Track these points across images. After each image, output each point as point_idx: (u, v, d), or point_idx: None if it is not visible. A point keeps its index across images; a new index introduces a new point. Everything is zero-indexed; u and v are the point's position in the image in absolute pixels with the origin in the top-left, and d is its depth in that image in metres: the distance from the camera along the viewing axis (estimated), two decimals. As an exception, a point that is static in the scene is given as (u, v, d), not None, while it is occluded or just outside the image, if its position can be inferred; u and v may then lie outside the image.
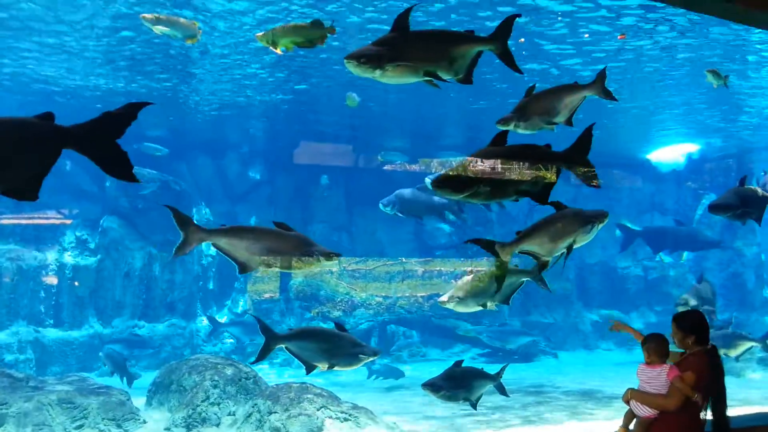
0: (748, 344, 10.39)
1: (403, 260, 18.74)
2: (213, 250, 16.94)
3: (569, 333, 18.26)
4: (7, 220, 15.02)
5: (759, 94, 15.86)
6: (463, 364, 7.49)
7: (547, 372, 15.10)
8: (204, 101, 15.32)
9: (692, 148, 20.42)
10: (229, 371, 9.71)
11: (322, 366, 6.66)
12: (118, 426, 8.89)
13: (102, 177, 16.05)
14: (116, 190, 15.49)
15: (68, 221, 15.83)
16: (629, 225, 17.77)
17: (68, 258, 15.03)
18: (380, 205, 13.25)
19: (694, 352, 4.40)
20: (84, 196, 16.20)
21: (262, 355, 6.38)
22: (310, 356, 6.58)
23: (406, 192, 13.82)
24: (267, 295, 17.28)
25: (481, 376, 7.42)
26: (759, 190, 7.49)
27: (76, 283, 14.99)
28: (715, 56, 12.77)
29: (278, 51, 6.04)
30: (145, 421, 9.21)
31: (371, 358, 7.06)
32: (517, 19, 5.08)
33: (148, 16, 8.63)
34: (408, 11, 4.68)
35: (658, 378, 4.39)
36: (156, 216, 15.00)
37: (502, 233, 19.90)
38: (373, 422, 9.18)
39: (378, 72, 4.44)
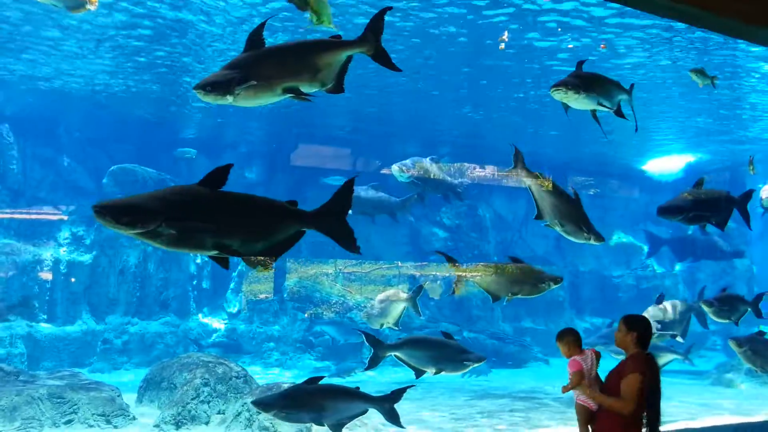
0: (671, 357, 10.42)
1: (399, 264, 18.80)
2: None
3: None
4: (3, 215, 15.06)
5: (760, 107, 16.00)
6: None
7: (539, 378, 15.16)
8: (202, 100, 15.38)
9: (688, 159, 20.54)
10: (219, 370, 9.76)
11: (431, 371, 7.21)
12: (108, 422, 8.92)
13: (99, 173, 16.10)
14: (113, 186, 15.53)
15: (65, 217, 15.87)
16: (657, 233, 17.95)
17: (63, 254, 15.06)
18: None
19: (633, 354, 4.48)
20: (80, 193, 16.25)
21: (373, 364, 7.18)
22: (418, 363, 7.19)
23: (360, 190, 14.14)
24: (261, 296, 17.33)
25: (349, 397, 6.23)
26: (722, 193, 6.94)
27: (72, 279, 15.01)
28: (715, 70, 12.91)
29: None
30: (134, 418, 9.24)
31: (477, 364, 7.44)
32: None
33: None
34: (261, 27, 4.48)
35: (588, 361, 4.71)
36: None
37: (498, 239, 20.00)
38: (362, 423, 9.23)
39: (230, 97, 4.26)
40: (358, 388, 6.42)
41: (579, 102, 5.57)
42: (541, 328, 18.63)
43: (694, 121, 17.01)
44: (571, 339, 4.85)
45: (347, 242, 4.28)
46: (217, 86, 4.24)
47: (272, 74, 4.39)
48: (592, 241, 6.32)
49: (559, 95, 5.47)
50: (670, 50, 12.08)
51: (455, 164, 20.60)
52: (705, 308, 8.98)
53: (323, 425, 5.97)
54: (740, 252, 19.05)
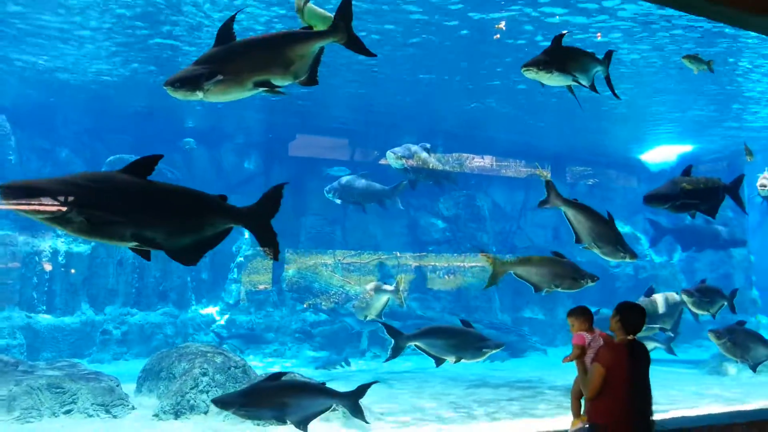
0: (652, 345, 10.44)
1: (398, 254, 18.84)
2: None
3: (559, 330, 18.36)
4: (1, 206, 15.04)
5: (756, 97, 15.98)
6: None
7: (536, 367, 15.23)
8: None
9: (686, 149, 20.55)
10: (218, 360, 9.79)
11: (451, 359, 7.40)
12: (107, 411, 8.96)
13: (96, 164, 16.08)
14: (111, 178, 15.49)
15: (63, 208, 15.84)
16: (660, 222, 18.03)
17: (61, 245, 15.06)
18: (324, 192, 13.77)
19: (610, 342, 4.60)
20: (79, 183, 16.20)
21: (394, 354, 7.39)
22: (438, 351, 7.39)
23: (347, 179, 14.21)
24: (260, 286, 17.36)
25: (312, 392, 6.18)
26: (711, 180, 6.84)
27: (73, 271, 15.02)
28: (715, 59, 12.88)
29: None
30: (134, 407, 9.28)
31: (495, 350, 7.62)
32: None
33: None
34: (230, 21, 4.44)
35: (593, 340, 4.82)
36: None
37: (496, 229, 20.01)
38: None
39: (199, 93, 4.21)
40: (323, 383, 6.44)
41: (552, 80, 5.51)
42: (540, 318, 18.70)
43: (692, 110, 17.00)
44: (582, 316, 4.95)
45: (268, 246, 4.27)
46: (185, 82, 4.20)
47: (242, 68, 4.34)
48: (627, 259, 6.63)
49: (531, 74, 5.41)
50: (667, 38, 12.06)
51: (453, 154, 20.62)
52: (685, 298, 8.98)
53: (286, 423, 5.82)
54: (742, 241, 19.14)
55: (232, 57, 4.35)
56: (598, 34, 11.89)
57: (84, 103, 15.94)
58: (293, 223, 18.12)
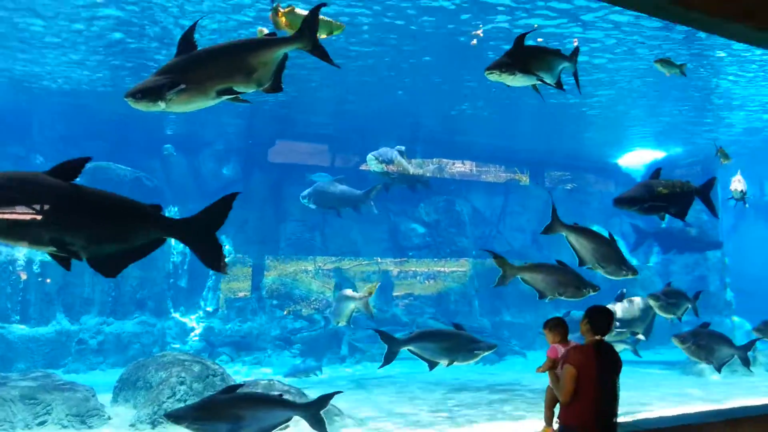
0: (621, 347, 10.55)
1: (378, 260, 18.84)
2: (184, 247, 16.86)
3: (538, 333, 18.51)
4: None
5: (730, 103, 16.30)
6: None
7: (516, 371, 15.32)
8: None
9: (662, 153, 20.87)
10: (196, 368, 9.70)
11: (443, 362, 7.47)
12: (82, 422, 8.83)
13: (72, 172, 15.83)
14: (87, 184, 15.24)
15: (38, 216, 15.58)
16: (640, 226, 18.32)
17: (36, 254, 14.80)
18: (300, 198, 13.80)
19: (579, 347, 4.68)
20: (54, 191, 15.96)
21: (388, 359, 7.36)
22: (431, 355, 7.46)
23: (321, 184, 14.24)
24: (240, 294, 17.25)
25: (269, 405, 6.03)
26: (681, 183, 6.86)
27: (48, 280, 14.76)
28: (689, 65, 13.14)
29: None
30: (110, 418, 9.16)
31: (487, 352, 7.74)
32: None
33: None
34: (191, 29, 4.40)
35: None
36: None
37: (476, 234, 20.12)
38: (340, 418, 9.27)
39: (162, 104, 4.14)
40: (281, 395, 6.31)
41: (516, 81, 5.45)
42: (519, 322, 18.81)
43: (667, 115, 17.29)
44: (556, 328, 5.09)
45: (212, 259, 4.04)
46: (147, 93, 4.12)
47: (205, 77, 4.27)
48: (629, 276, 6.88)
49: (494, 77, 5.36)
50: (642, 43, 12.26)
51: (433, 159, 20.72)
52: (651, 302, 9.08)
53: None
54: (719, 243, 19.50)
55: (194, 66, 4.29)
56: (575, 40, 12.06)
57: (59, 108, 15.73)
58: (273, 229, 18.04)
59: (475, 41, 11.44)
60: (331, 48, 4.86)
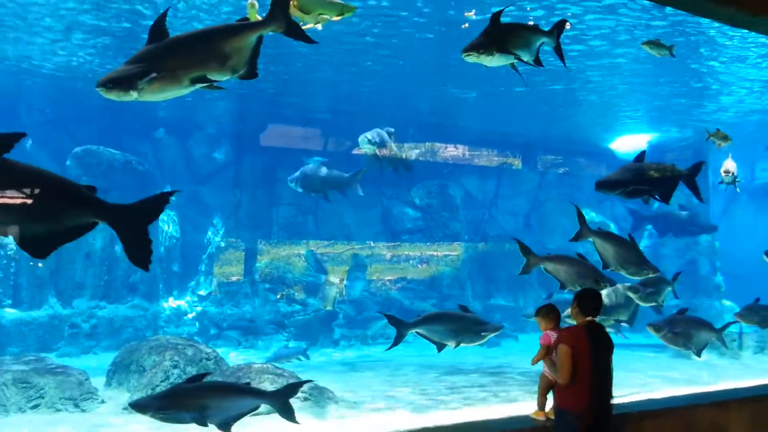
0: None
1: (371, 244, 18.88)
2: (176, 231, 16.82)
3: (521, 317, 18.65)
4: None
5: (723, 87, 16.31)
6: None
7: (508, 354, 15.46)
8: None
9: (654, 136, 20.90)
10: (189, 352, 9.73)
11: (451, 344, 7.64)
12: (76, 405, 8.85)
13: (62, 155, 15.73)
14: (77, 169, 15.18)
15: (28, 200, 15.48)
16: (638, 209, 18.44)
17: (27, 238, 14.73)
18: (288, 181, 13.82)
19: (570, 327, 4.75)
20: (44, 175, 15.84)
21: (397, 342, 7.56)
22: (439, 337, 7.61)
23: (309, 168, 14.25)
24: (233, 278, 17.25)
25: (235, 393, 6.02)
26: (665, 166, 6.87)
27: (40, 264, 14.70)
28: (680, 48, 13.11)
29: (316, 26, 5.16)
30: (103, 401, 9.18)
31: (494, 333, 7.90)
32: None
33: None
34: (162, 17, 4.32)
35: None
36: (117, 196, 14.75)
37: (468, 218, 20.17)
38: (333, 402, 9.34)
39: (134, 93, 4.07)
40: (248, 383, 6.26)
41: (495, 61, 5.32)
42: (511, 305, 18.94)
43: (660, 99, 17.29)
44: (549, 315, 5.13)
45: (138, 253, 3.92)
46: (118, 82, 4.05)
47: (177, 65, 4.19)
48: (650, 275, 7.24)
49: (472, 59, 5.23)
50: (634, 26, 12.22)
51: (426, 144, 20.68)
52: (631, 295, 9.14)
53: (207, 425, 5.59)
54: (714, 227, 19.64)
55: (166, 54, 4.20)
56: (567, 24, 11.99)
57: (48, 92, 15.55)
58: (266, 213, 18.01)
59: (467, 24, 11.36)
60: (329, 32, 4.76)
